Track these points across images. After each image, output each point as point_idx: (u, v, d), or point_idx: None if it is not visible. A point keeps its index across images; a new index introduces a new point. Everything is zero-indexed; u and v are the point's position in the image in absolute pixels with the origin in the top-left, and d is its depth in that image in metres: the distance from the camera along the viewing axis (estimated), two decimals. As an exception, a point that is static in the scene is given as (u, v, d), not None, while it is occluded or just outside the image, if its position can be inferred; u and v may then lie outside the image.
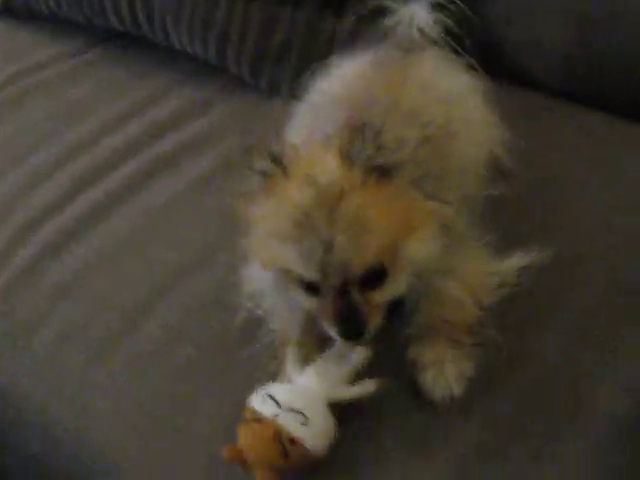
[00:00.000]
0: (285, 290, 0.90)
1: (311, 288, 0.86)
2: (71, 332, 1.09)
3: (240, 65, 1.46)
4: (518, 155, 1.13)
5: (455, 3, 1.15)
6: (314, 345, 0.95)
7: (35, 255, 1.20)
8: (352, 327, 0.85)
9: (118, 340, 1.06)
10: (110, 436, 0.99)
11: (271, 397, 0.87)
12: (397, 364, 0.95)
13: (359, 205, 0.82)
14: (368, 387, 0.89)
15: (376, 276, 0.85)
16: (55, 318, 1.11)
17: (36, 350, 1.09)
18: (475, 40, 1.20)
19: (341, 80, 1.09)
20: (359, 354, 0.91)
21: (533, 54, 1.36)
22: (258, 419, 0.86)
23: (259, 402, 0.88)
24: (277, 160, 0.86)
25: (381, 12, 1.17)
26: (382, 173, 0.84)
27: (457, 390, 0.92)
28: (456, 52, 1.16)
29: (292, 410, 0.86)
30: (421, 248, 0.86)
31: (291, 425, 0.85)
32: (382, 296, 0.86)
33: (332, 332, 0.86)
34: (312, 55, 1.33)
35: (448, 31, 1.16)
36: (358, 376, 0.91)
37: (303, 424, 0.85)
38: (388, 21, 1.17)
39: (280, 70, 1.43)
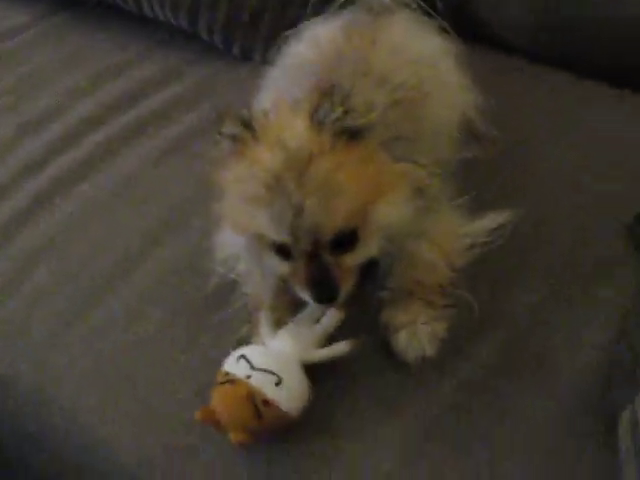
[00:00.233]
0: (257, 255, 0.90)
1: (283, 252, 0.86)
2: (41, 298, 1.09)
3: (212, 33, 1.44)
4: (490, 117, 1.14)
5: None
6: (287, 309, 0.95)
7: (5, 221, 1.20)
8: (324, 290, 0.85)
9: (92, 306, 1.06)
10: (68, 392, 1.00)
11: (244, 358, 0.87)
12: (370, 326, 0.95)
13: (328, 168, 0.82)
14: (341, 348, 0.90)
15: (347, 239, 0.85)
16: (26, 285, 1.11)
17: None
18: (447, 2, 1.19)
19: (312, 44, 1.08)
20: (332, 317, 0.92)
21: (503, 17, 1.35)
22: (231, 380, 0.86)
23: (232, 364, 0.88)
24: (247, 124, 0.86)
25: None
26: (351, 136, 0.84)
27: (430, 351, 0.93)
28: (428, 14, 1.16)
29: (265, 371, 0.86)
30: (392, 211, 0.86)
31: (265, 386, 0.85)
32: (353, 259, 0.87)
33: (304, 296, 0.87)
34: (284, 21, 1.32)
35: (420, -6, 1.15)
36: (332, 338, 0.92)
37: (277, 384, 0.85)
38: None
39: (252, 37, 1.42)
